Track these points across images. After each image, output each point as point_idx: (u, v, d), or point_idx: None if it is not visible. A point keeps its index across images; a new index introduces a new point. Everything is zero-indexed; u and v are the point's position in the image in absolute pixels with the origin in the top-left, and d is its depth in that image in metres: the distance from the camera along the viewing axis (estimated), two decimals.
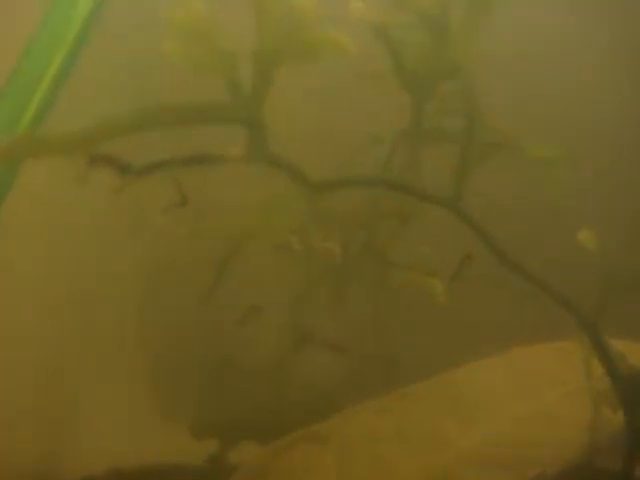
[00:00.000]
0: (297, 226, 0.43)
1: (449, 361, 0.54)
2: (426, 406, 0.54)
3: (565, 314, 0.48)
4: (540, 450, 0.50)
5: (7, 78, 0.42)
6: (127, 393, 0.63)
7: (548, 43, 0.55)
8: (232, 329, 0.53)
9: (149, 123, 0.34)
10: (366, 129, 0.47)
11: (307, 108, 0.48)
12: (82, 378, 0.62)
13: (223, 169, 0.38)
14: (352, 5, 0.41)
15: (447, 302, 0.51)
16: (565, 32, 0.56)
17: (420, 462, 0.51)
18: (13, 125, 0.40)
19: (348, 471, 0.51)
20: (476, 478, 0.50)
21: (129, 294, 0.59)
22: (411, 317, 0.58)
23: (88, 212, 0.54)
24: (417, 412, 0.53)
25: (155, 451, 0.60)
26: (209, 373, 0.59)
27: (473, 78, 0.46)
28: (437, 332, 0.59)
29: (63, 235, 0.57)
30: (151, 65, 0.48)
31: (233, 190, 0.45)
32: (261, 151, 0.36)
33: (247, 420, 0.60)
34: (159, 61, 0.36)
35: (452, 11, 0.43)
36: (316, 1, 0.35)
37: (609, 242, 0.46)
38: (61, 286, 0.59)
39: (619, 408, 0.45)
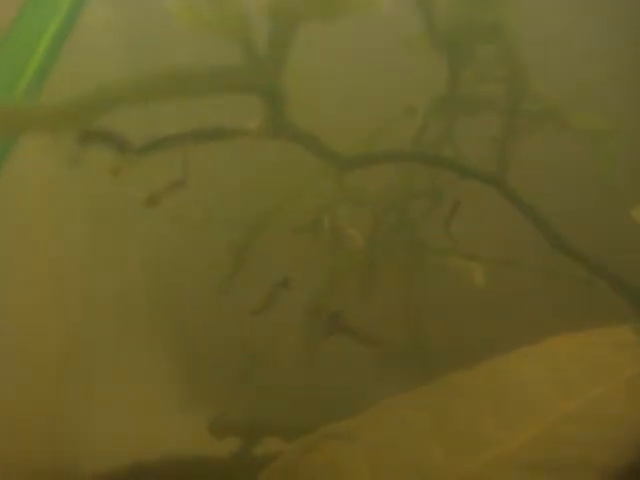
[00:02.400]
0: (323, 207, 0.39)
1: (489, 351, 0.50)
2: (464, 400, 0.50)
3: (618, 298, 0.44)
4: (590, 451, 0.46)
5: None
6: (146, 387, 0.60)
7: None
8: (255, 319, 0.50)
9: (152, 93, 0.29)
10: (398, 97, 0.42)
11: (331, 74, 0.44)
12: (100, 372, 0.59)
13: (239, 145, 0.33)
14: None
15: (487, 286, 0.47)
16: None
17: (457, 462, 0.47)
18: (6, 95, 0.36)
19: (380, 470, 0.48)
20: None
21: (139, 284, 0.56)
22: (448, 303, 0.54)
23: (88, 195, 0.50)
24: (454, 407, 0.49)
25: (177, 445, 0.57)
26: (231, 365, 0.56)
27: (515, 40, 0.42)
28: (476, 319, 0.55)
29: (63, 221, 0.54)
30: (154, 27, 0.44)
31: (251, 169, 0.41)
32: (280, 124, 0.32)
33: (271, 415, 0.56)
34: (163, 22, 0.32)
35: None
36: None
37: None
38: (67, 278, 0.56)
39: None
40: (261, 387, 0.56)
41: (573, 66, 0.48)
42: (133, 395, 0.59)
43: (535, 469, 0.45)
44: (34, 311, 0.56)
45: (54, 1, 0.38)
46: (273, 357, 0.55)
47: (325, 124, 0.35)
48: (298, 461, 0.50)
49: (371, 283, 0.48)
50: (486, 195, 0.43)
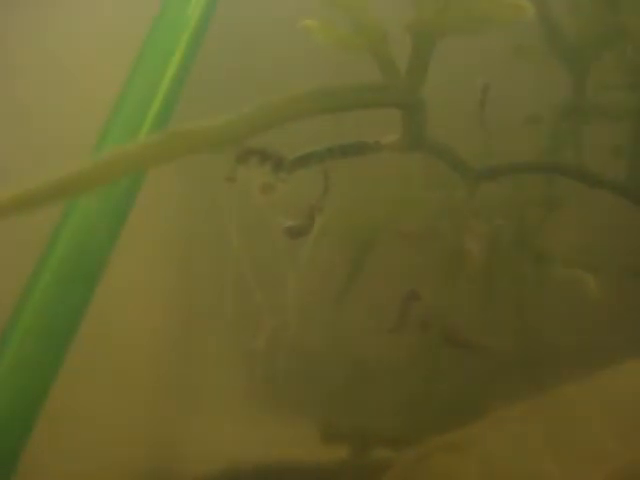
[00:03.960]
0: (449, 219, 0.39)
1: (603, 363, 0.49)
2: (578, 413, 0.48)
3: None
4: None
5: (125, 80, 0.39)
6: (247, 392, 0.60)
7: None
8: (365, 328, 0.49)
9: (293, 113, 0.30)
10: (522, 108, 0.42)
11: (456, 85, 0.44)
12: (200, 375, 0.60)
13: (370, 158, 0.33)
14: None
15: (605, 297, 0.46)
16: None
17: (573, 477, 0.46)
18: (135, 130, 0.37)
19: None
20: None
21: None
22: (563, 313, 0.53)
23: (233, 214, 0.51)
24: (568, 420, 0.48)
25: (280, 450, 0.57)
26: (342, 373, 0.56)
27: None
28: (591, 330, 0.53)
29: (202, 243, 0.54)
30: (290, 46, 0.44)
31: (374, 181, 0.41)
32: (418, 137, 0.32)
33: (380, 425, 0.56)
34: (299, 41, 0.32)
35: None
36: None
37: None
38: (187, 295, 0.57)
39: None
40: (370, 395, 0.56)
41: None
42: (236, 398, 0.59)
43: None
44: (144, 321, 0.57)
45: (181, 24, 0.39)
46: (384, 367, 0.55)
47: (455, 136, 0.35)
48: (408, 472, 0.49)
49: (487, 295, 0.47)
50: (606, 204, 0.42)
